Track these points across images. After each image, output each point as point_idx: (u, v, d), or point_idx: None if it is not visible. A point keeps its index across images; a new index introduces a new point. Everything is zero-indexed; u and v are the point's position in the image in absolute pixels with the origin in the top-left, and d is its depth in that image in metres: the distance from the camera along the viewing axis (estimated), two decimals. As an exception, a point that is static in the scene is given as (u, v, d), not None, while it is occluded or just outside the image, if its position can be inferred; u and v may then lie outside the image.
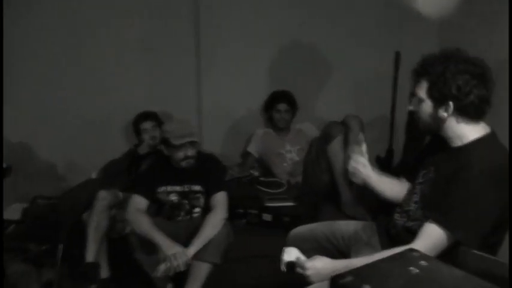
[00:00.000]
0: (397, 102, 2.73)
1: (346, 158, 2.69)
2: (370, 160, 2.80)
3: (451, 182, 1.37)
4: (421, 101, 1.46)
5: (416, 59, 1.48)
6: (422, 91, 1.45)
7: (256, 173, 2.87)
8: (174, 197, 2.31)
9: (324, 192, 2.75)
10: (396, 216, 1.64)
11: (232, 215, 2.51)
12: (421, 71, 1.45)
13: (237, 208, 2.60)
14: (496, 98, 1.43)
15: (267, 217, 2.61)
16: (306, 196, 2.71)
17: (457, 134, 1.44)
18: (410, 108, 1.53)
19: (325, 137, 2.73)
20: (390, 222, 1.64)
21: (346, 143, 2.73)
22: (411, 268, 1.02)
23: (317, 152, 2.79)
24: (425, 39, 2.76)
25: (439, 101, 1.41)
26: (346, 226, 1.81)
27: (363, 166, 1.72)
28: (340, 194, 2.66)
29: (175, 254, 1.98)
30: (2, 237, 2.40)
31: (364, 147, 1.73)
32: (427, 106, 1.45)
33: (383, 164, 2.87)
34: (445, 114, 1.42)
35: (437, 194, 1.43)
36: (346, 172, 2.68)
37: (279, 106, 3.03)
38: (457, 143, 1.45)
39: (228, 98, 3.14)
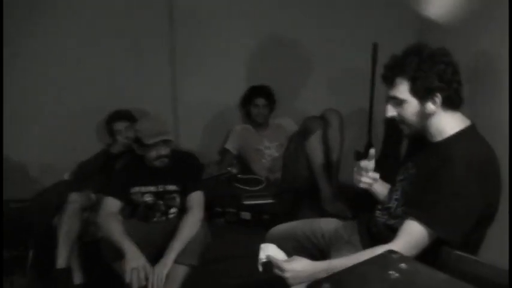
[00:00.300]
0: (376, 96, 2.69)
1: (326, 152, 2.68)
2: (349, 155, 2.82)
3: (433, 178, 1.33)
4: (403, 102, 1.40)
5: (395, 51, 1.43)
6: (402, 92, 1.39)
7: (234, 171, 2.80)
8: (148, 198, 2.23)
9: (303, 188, 2.72)
10: (377, 213, 1.60)
11: (210, 214, 2.46)
12: (396, 71, 1.40)
13: (215, 207, 2.56)
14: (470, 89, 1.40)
15: (245, 215, 2.56)
16: (286, 193, 2.66)
17: (439, 129, 1.40)
18: (390, 115, 1.46)
19: (304, 132, 2.69)
20: (371, 220, 1.60)
21: (325, 138, 2.69)
22: (391, 272, 0.98)
23: (296, 147, 2.75)
24: (403, 31, 2.73)
25: (424, 96, 1.37)
26: (327, 224, 1.77)
27: (374, 181, 1.64)
28: (320, 190, 2.62)
29: (136, 268, 1.89)
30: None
31: (373, 162, 1.63)
32: (412, 105, 1.39)
33: (362, 160, 2.84)
34: (434, 108, 1.37)
35: (418, 190, 1.40)
36: (325, 167, 2.67)
37: (257, 101, 2.96)
38: (438, 138, 1.41)
39: (205, 94, 3.05)
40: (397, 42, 1.55)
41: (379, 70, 2.60)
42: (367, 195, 1.69)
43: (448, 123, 1.38)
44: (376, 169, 1.64)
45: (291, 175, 2.79)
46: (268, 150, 2.99)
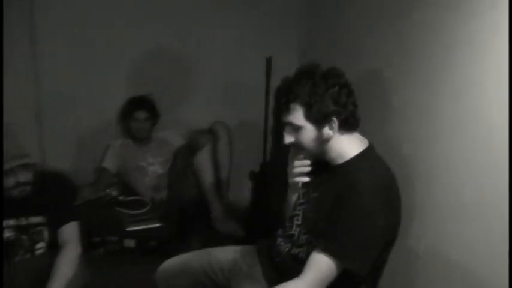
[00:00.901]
0: (271, 110, 2.63)
1: (215, 168, 2.53)
2: (243, 176, 2.72)
3: (337, 205, 1.26)
4: (299, 128, 1.33)
5: (289, 64, 1.34)
6: (298, 118, 1.32)
7: (114, 192, 2.50)
8: (8, 233, 1.84)
9: (192, 208, 2.53)
10: (279, 241, 1.49)
11: (88, 245, 2.13)
12: (290, 97, 1.32)
13: (93, 236, 2.23)
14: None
15: (129, 243, 2.29)
16: (174, 214, 2.44)
17: (339, 152, 1.34)
18: (288, 141, 1.38)
19: (192, 147, 2.51)
20: (273, 249, 1.49)
21: (214, 153, 2.55)
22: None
23: (183, 163, 2.55)
24: (296, 45, 2.71)
25: (320, 121, 1.30)
26: (225, 255, 1.61)
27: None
28: (211, 209, 2.46)
29: None
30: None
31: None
32: (309, 131, 1.32)
33: (257, 181, 2.76)
34: (331, 133, 1.31)
35: (321, 217, 1.32)
36: (215, 185, 2.52)
37: (137, 114, 2.68)
38: (338, 160, 1.35)
39: (76, 105, 2.67)
40: (291, 55, 1.46)
41: (274, 84, 2.58)
42: (260, 213, 1.59)
43: (346, 146, 1.34)
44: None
45: (178, 194, 2.58)
46: (152, 167, 2.73)
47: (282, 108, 1.35)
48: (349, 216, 1.23)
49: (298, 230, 1.44)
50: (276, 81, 2.52)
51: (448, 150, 1.51)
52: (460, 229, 1.46)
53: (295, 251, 1.41)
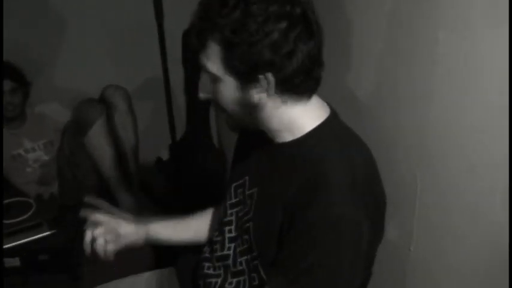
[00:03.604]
0: (171, 60, 2.06)
1: (116, 147, 1.99)
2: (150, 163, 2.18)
3: (293, 212, 0.81)
4: (215, 79, 0.82)
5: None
6: (212, 63, 0.80)
7: (-21, 198, 1.87)
8: None
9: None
10: (206, 267, 1.03)
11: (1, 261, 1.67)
12: (204, 26, 0.79)
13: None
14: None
15: (12, 262, 1.74)
16: (69, 214, 1.89)
17: (285, 124, 0.86)
18: (203, 96, 0.88)
19: (79, 124, 1.91)
20: (199, 277, 1.04)
21: (111, 127, 1.98)
22: None
23: (71, 146, 1.96)
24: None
25: (247, 74, 0.79)
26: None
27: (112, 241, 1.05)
28: (117, 199, 1.93)
29: None
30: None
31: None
32: (228, 87, 0.82)
33: (167, 171, 2.23)
34: (263, 96, 0.81)
35: (269, 229, 0.86)
36: (119, 170, 1.98)
37: (-1, 85, 2.00)
38: (287, 137, 0.87)
39: None
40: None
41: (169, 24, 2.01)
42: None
43: (297, 115, 0.85)
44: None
45: (73, 186, 2.01)
46: (32, 154, 2.09)
47: (194, 40, 0.82)
48: (318, 233, 0.78)
49: (233, 247, 0.98)
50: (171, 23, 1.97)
51: (443, 137, 1.07)
52: (453, 221, 1.08)
53: (232, 281, 0.97)
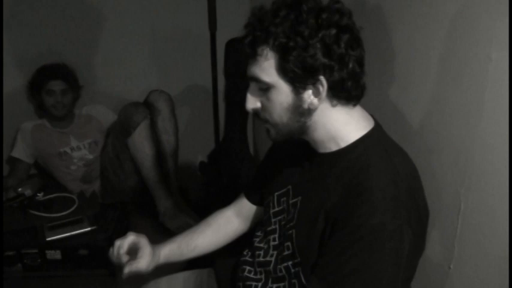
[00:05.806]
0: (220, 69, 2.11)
1: (157, 150, 2.04)
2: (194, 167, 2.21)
3: (335, 222, 0.83)
4: (268, 88, 0.85)
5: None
6: (266, 70, 0.83)
7: (28, 191, 1.95)
8: None
9: (133, 202, 2.05)
10: (247, 271, 1.05)
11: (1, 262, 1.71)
12: (258, 35, 0.82)
13: (6, 250, 1.74)
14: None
15: (53, 255, 1.80)
16: (110, 212, 1.95)
17: (331, 134, 0.88)
18: (251, 107, 0.90)
19: (124, 126, 1.98)
20: (238, 279, 1.06)
21: (154, 131, 2.04)
22: None
23: (115, 147, 2.03)
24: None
25: (300, 79, 0.82)
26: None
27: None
28: (156, 202, 1.98)
29: None
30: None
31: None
32: (282, 93, 0.85)
33: (210, 174, 2.27)
34: (315, 100, 0.84)
35: (312, 238, 0.88)
36: (160, 171, 2.03)
37: (51, 85, 2.10)
38: (331, 147, 0.90)
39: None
40: None
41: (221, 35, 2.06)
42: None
43: (343, 124, 0.88)
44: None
45: (114, 185, 2.08)
46: (77, 153, 2.19)
47: (246, 54, 0.85)
48: (359, 241, 0.79)
49: (275, 254, 1.00)
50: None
51: (489, 156, 1.07)
52: (497, 242, 1.06)
53: (273, 287, 0.99)
